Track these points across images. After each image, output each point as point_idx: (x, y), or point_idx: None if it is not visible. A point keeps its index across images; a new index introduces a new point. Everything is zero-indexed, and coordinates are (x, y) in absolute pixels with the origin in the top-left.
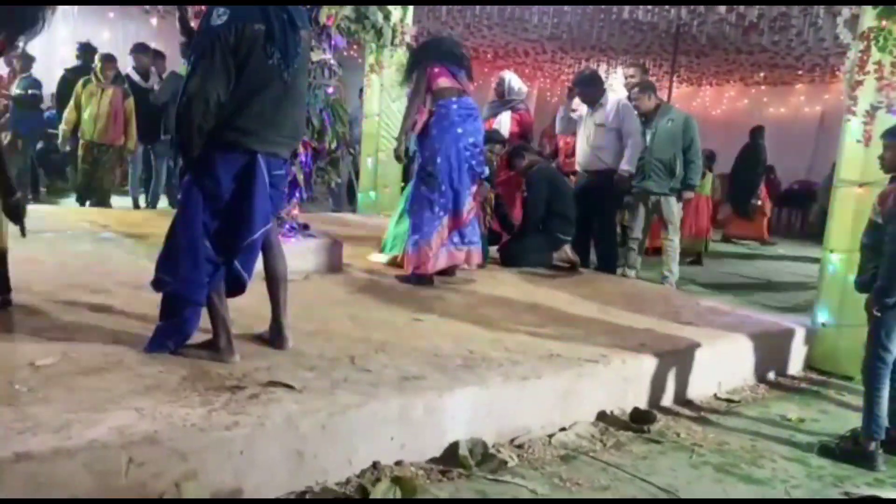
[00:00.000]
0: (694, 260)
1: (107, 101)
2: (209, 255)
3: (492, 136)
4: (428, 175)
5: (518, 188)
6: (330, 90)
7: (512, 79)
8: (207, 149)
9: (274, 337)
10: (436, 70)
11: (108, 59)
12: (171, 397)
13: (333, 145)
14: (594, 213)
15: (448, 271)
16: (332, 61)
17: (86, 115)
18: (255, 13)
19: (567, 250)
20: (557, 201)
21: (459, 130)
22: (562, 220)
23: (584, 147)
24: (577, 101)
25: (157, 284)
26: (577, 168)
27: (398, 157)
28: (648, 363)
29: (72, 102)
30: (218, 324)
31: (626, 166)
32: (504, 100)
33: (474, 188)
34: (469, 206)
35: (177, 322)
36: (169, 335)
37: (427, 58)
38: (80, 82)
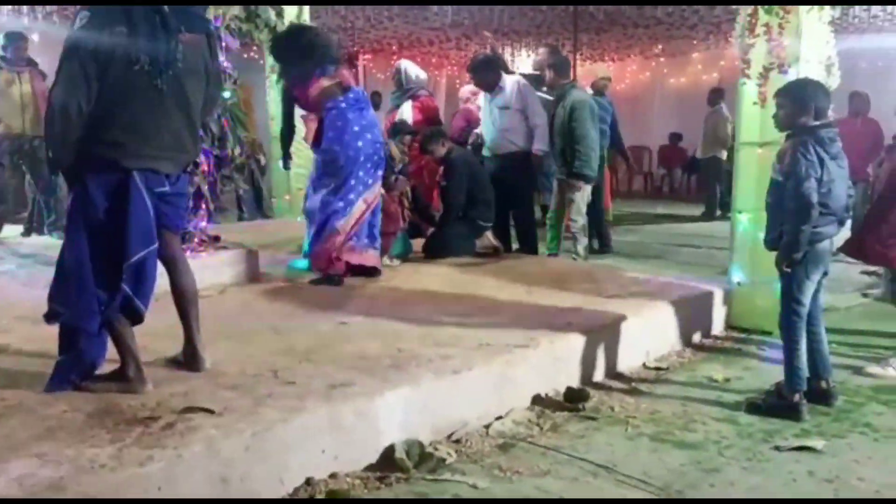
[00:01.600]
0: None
1: (27, 86)
2: (100, 280)
3: (400, 128)
4: (329, 176)
5: (432, 177)
6: (226, 94)
7: (408, 67)
8: (79, 166)
9: (189, 359)
10: (301, 83)
11: (19, 39)
12: (77, 438)
13: (237, 151)
14: (511, 197)
15: (371, 271)
16: (226, 64)
17: (7, 106)
18: (116, 15)
19: (489, 236)
20: (477, 187)
21: (356, 128)
22: (483, 205)
23: (491, 131)
24: (469, 89)
25: (49, 316)
26: (485, 152)
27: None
28: (577, 341)
29: None
30: (124, 351)
31: (539, 146)
32: (403, 89)
33: (378, 182)
34: (373, 198)
35: (75, 355)
36: (70, 370)
37: (293, 70)
38: None
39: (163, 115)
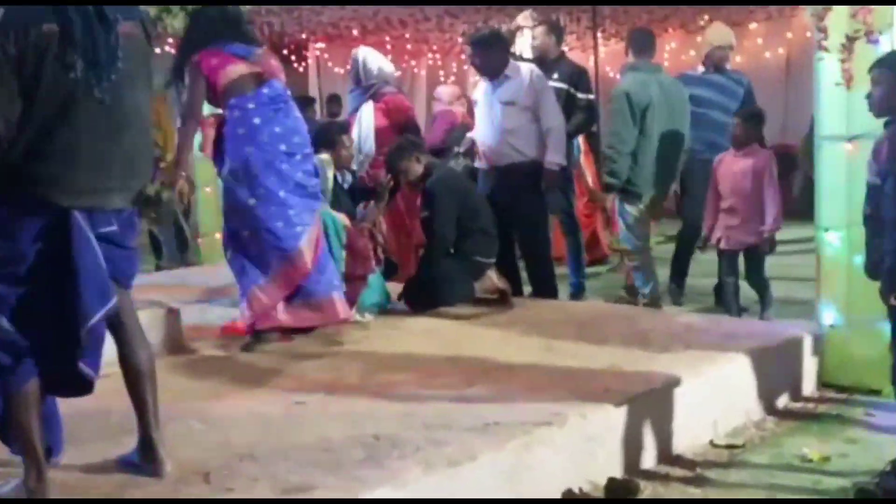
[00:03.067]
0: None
1: None
2: (8, 338)
3: (325, 134)
4: (232, 211)
5: (409, 204)
6: None
7: (367, 56)
8: (1, 203)
9: (145, 459)
10: (213, 60)
11: None
12: None
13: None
14: (517, 223)
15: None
16: None
17: None
18: (42, 10)
19: (492, 276)
20: (470, 214)
21: (266, 137)
22: (480, 236)
23: (489, 134)
24: (448, 91)
25: None
26: (480, 164)
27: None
28: (617, 415)
29: None
30: (28, 450)
31: (554, 157)
32: (363, 86)
33: (314, 214)
34: (310, 241)
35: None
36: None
37: (195, 41)
38: None
39: (108, 132)
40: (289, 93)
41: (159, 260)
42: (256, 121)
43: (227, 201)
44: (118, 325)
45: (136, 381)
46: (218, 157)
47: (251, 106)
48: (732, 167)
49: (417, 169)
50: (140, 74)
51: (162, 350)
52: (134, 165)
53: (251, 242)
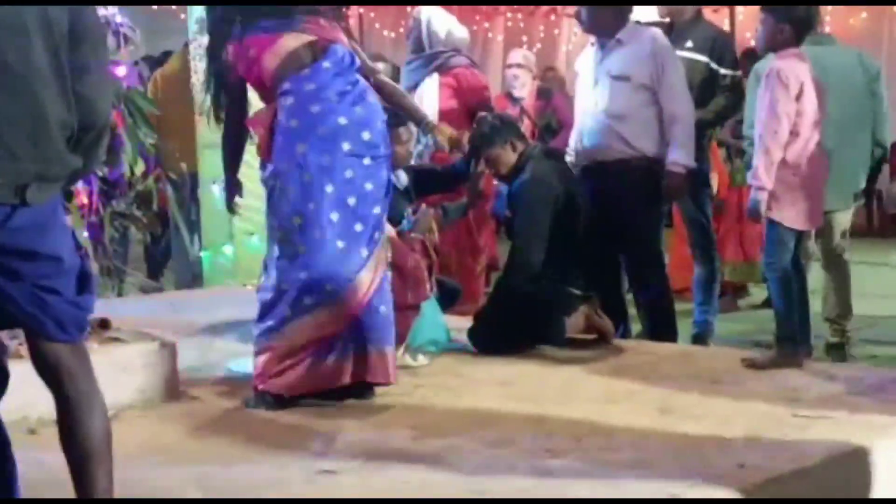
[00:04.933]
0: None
1: None
2: None
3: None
4: (284, 231)
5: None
6: (120, 72)
7: (433, 17)
8: None
9: None
10: (250, 45)
11: None
12: None
13: (138, 169)
14: (622, 242)
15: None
16: (120, 20)
17: None
18: None
19: (589, 312)
20: (566, 225)
21: (324, 131)
22: (575, 259)
23: (591, 120)
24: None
25: None
26: (570, 157)
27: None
28: (758, 496)
29: None
30: None
31: (679, 156)
32: (427, 56)
33: (382, 237)
34: (371, 273)
35: None
36: None
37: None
38: None
39: None
40: (357, 61)
41: (154, 276)
42: (315, 109)
43: (269, 210)
44: (55, 385)
45: (81, 455)
46: (269, 155)
47: (310, 87)
48: None
49: (510, 158)
50: (14, 23)
51: (153, 396)
52: (18, 142)
53: (288, 277)
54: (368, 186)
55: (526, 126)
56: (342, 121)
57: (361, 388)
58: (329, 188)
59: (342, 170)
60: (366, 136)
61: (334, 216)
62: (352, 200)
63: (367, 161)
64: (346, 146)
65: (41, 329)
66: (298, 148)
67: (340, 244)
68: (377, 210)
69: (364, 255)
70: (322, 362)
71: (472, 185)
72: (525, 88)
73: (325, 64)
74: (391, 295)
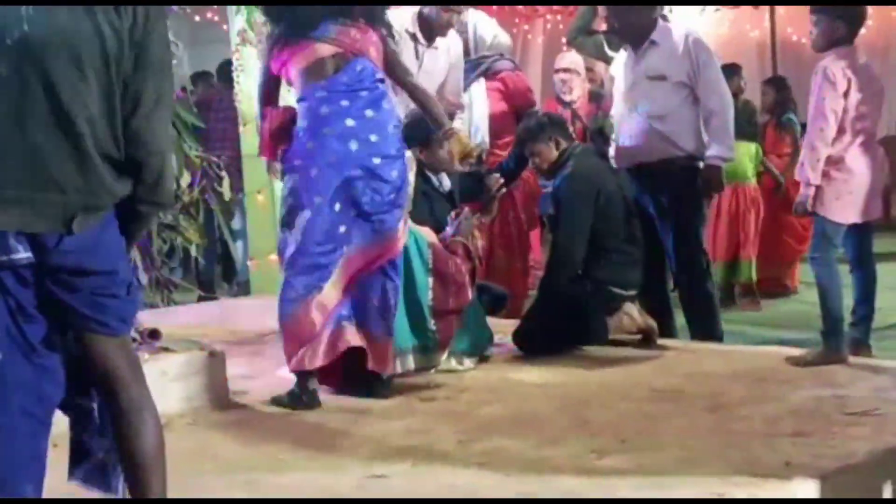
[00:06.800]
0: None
1: None
2: None
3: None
4: (285, 226)
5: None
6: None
7: (479, 23)
8: None
9: None
10: (285, 47)
11: None
12: None
13: (184, 182)
14: (666, 241)
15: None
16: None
17: None
18: None
19: (633, 312)
20: (610, 223)
21: (331, 131)
22: (618, 257)
23: (627, 121)
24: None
25: None
26: (613, 159)
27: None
28: (804, 493)
29: None
30: None
31: (718, 150)
32: (473, 61)
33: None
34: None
35: None
36: None
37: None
38: None
39: (12, 123)
40: (380, 75)
41: (202, 286)
42: (324, 110)
43: (281, 203)
44: (109, 393)
45: (136, 470)
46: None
47: (320, 94)
48: None
49: (552, 155)
50: (72, 43)
51: (202, 404)
52: (46, 171)
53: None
54: (375, 183)
55: (577, 130)
56: (350, 122)
57: (373, 384)
58: (336, 182)
59: (349, 167)
60: (373, 137)
61: (338, 207)
62: (356, 194)
63: (376, 160)
64: (353, 146)
65: (102, 327)
66: (308, 145)
67: (342, 229)
68: (385, 205)
69: (366, 239)
70: (324, 332)
71: (486, 189)
72: (575, 92)
73: (343, 78)
74: (398, 293)
